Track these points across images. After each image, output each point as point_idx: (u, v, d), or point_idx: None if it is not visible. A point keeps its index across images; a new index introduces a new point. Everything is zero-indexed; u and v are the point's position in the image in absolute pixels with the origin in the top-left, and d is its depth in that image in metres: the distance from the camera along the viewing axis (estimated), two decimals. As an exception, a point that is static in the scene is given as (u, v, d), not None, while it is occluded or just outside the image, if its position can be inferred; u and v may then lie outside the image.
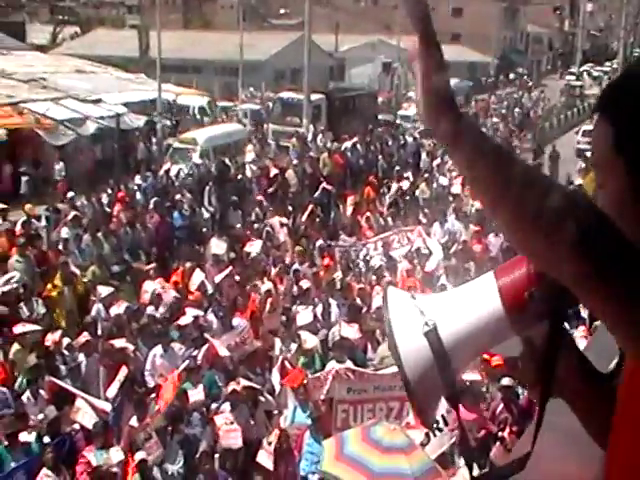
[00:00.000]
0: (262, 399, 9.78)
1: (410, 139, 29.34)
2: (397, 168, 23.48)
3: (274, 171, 20.83)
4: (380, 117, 35.38)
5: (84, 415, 8.96)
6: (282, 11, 72.71)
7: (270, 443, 9.06)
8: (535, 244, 1.17)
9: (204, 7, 73.84)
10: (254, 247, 14.11)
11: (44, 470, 8.20)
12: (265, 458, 8.98)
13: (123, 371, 9.95)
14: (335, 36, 55.55)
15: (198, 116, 32.56)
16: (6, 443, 8.69)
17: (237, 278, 13.28)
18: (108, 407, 9.48)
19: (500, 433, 9.07)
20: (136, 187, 19.73)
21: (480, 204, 1.29)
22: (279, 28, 61.40)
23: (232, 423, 9.07)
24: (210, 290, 13.03)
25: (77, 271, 13.40)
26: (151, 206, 17.49)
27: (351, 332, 11.09)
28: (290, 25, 59.88)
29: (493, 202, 1.22)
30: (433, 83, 1.23)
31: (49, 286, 12.90)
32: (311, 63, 30.58)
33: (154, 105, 29.90)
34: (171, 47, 36.21)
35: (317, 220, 17.51)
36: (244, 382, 9.60)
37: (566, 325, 1.45)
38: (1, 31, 50.31)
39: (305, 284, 13.12)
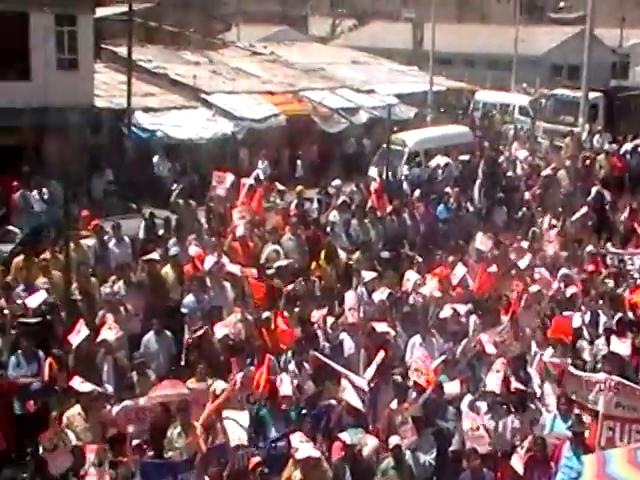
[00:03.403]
0: (532, 406, 9.46)
1: None
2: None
3: (546, 171, 20.09)
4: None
5: (350, 394, 9.25)
6: (562, 4, 69.79)
7: (524, 448, 8.77)
8: None
9: (480, 0, 72.98)
10: (523, 262, 13.65)
11: (299, 434, 8.57)
12: (517, 462, 8.71)
13: (381, 354, 10.16)
14: (620, 31, 52.10)
15: (518, 115, 31.55)
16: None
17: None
18: (365, 386, 9.72)
19: None
20: (403, 177, 20.05)
21: None
22: (558, 22, 58.98)
23: (478, 429, 8.86)
24: (471, 286, 12.91)
25: (342, 253, 13.91)
26: (417, 197, 17.65)
27: (622, 348, 10.40)
28: (570, 19, 57.28)
29: None
30: None
31: (314, 265, 13.52)
32: (591, 59, 28.94)
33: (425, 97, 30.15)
34: (444, 40, 36.26)
35: (589, 224, 16.59)
36: (516, 384, 9.36)
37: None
38: (286, 24, 53.68)
39: (572, 290, 12.56)
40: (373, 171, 21.63)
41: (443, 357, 10.29)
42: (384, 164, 21.14)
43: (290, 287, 12.11)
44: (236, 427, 8.60)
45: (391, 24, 60.08)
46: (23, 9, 21.43)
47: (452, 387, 9.78)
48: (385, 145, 22.75)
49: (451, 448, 9.06)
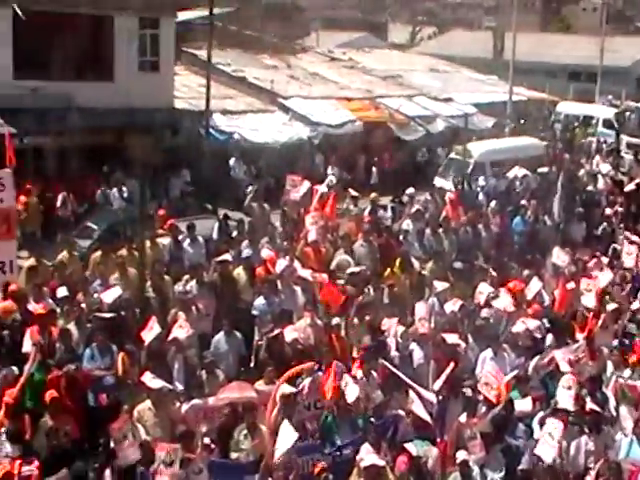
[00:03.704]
0: (605, 429, 9.15)
1: None
2: None
3: (629, 186, 19.48)
4: None
5: (418, 407, 9.13)
6: (652, 14, 67.84)
7: (596, 472, 8.48)
8: None
9: (564, 10, 71.59)
10: (603, 279, 13.21)
11: (366, 445, 8.52)
12: (590, 487, 8.44)
13: (451, 366, 10.00)
14: None
15: (602, 128, 30.71)
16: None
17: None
18: (434, 399, 9.58)
19: None
20: (479, 188, 19.76)
21: None
22: (647, 32, 57.35)
23: (553, 438, 8.61)
24: (546, 301, 12.60)
25: (416, 262, 13.78)
26: (493, 208, 17.36)
27: None
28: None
29: None
30: None
31: (387, 272, 13.40)
32: (682, 71, 28.05)
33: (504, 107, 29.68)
34: (526, 49, 35.68)
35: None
36: (590, 404, 9.08)
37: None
38: (366, 30, 53.77)
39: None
40: (439, 181, 21.32)
41: (515, 372, 10.06)
42: (450, 174, 20.81)
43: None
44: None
45: (471, 32, 59.49)
46: (109, 12, 22.03)
47: (523, 404, 9.55)
48: (452, 155, 22.44)
49: (520, 467, 8.83)
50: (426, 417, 9.09)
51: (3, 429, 8.52)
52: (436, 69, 37.25)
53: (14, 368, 9.38)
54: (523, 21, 37.67)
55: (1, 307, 10.87)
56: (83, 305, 11.18)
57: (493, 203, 17.78)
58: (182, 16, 26.22)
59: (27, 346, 9.80)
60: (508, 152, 22.46)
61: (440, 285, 12.52)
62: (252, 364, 11.14)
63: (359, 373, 9.98)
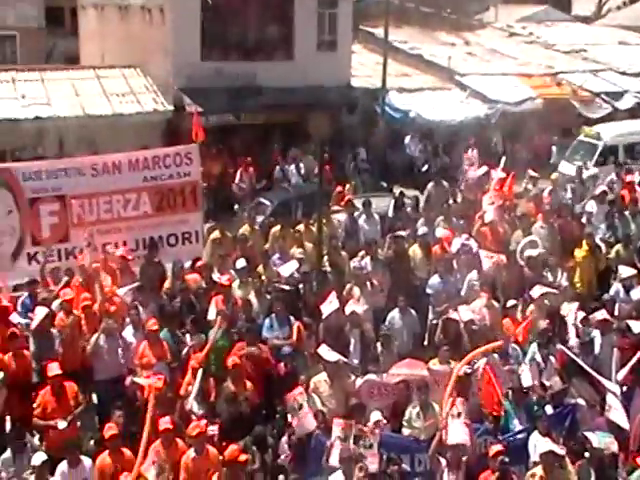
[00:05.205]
0: None
1: None
2: None
3: None
4: None
5: (616, 414, 8.70)
6: None
7: None
8: None
9: None
10: None
11: (535, 433, 8.28)
12: None
13: (637, 356, 9.46)
14: None
15: None
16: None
17: None
18: (617, 390, 9.11)
19: None
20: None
21: None
22: None
23: None
24: None
25: (602, 245, 13.13)
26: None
27: None
28: None
29: None
30: None
31: (576, 253, 12.82)
32: None
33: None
34: None
35: None
36: None
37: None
38: (547, 3, 51.39)
39: None
40: (564, 166, 20.02)
41: None
42: (576, 158, 19.50)
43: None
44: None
45: (666, 1, 55.16)
46: (290, -7, 22.55)
47: None
48: (580, 137, 20.99)
49: None
50: (625, 425, 8.61)
51: (190, 387, 9.07)
52: (625, 42, 35.06)
53: (202, 336, 9.90)
54: None
55: (191, 278, 11.57)
56: (263, 277, 11.60)
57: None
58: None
59: (212, 314, 10.35)
60: None
61: (626, 271, 11.88)
62: (426, 342, 11.09)
63: (537, 357, 9.71)
